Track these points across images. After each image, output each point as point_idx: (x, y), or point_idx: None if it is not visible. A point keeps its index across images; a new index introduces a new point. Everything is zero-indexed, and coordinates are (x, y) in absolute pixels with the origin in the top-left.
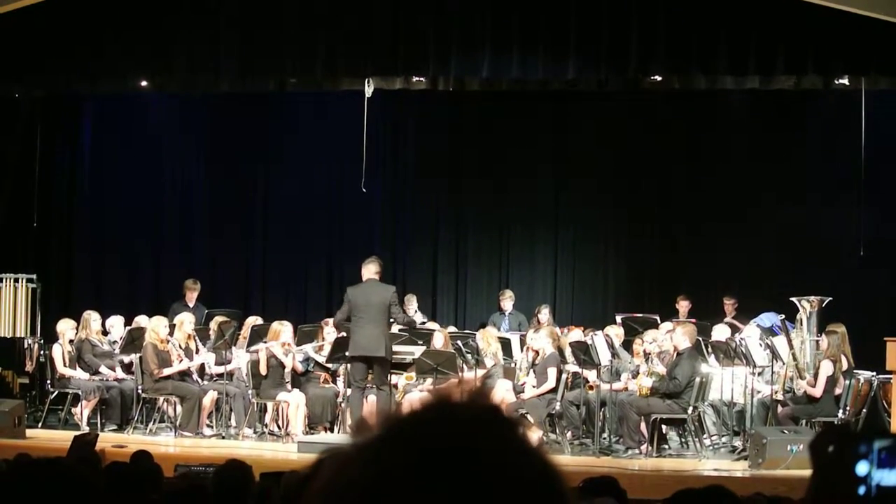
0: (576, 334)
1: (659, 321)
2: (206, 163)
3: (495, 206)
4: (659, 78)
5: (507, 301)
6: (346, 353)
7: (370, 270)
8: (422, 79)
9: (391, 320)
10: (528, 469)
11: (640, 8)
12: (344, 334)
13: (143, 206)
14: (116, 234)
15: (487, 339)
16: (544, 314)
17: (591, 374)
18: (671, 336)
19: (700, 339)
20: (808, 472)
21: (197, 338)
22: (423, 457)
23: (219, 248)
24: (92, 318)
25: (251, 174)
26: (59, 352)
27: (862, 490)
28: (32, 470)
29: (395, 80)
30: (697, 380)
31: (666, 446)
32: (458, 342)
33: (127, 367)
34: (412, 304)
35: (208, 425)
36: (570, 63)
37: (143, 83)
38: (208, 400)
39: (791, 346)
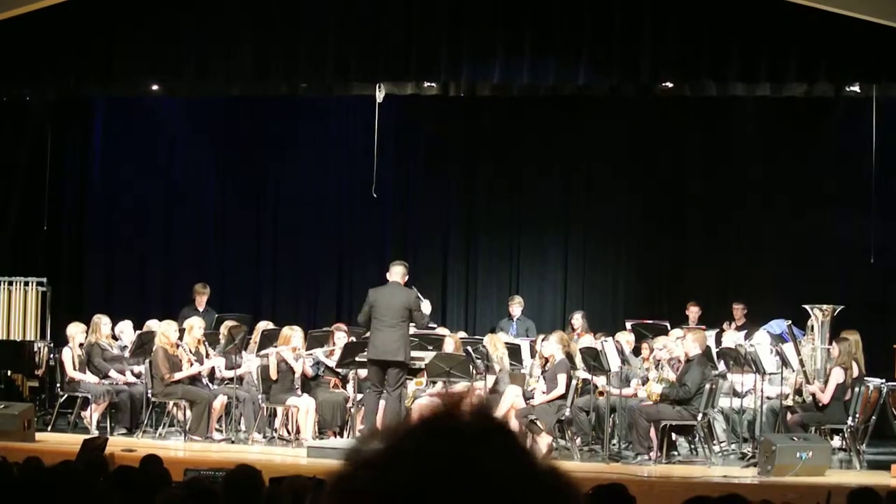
0: (586, 340)
1: (669, 327)
2: (217, 166)
3: (506, 212)
4: (670, 84)
5: (516, 307)
6: (364, 357)
7: (396, 273)
8: (433, 84)
9: (412, 324)
10: (533, 481)
11: (652, 14)
12: (354, 339)
13: (154, 210)
14: (127, 238)
15: (495, 344)
16: (577, 320)
17: (600, 381)
18: (681, 342)
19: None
20: (817, 479)
21: (207, 342)
22: (428, 471)
23: (229, 252)
24: (102, 321)
25: (262, 178)
26: (68, 355)
27: None
28: (45, 477)
29: (406, 85)
30: (707, 386)
31: (675, 453)
32: (469, 347)
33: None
34: (426, 309)
35: (218, 430)
36: (582, 69)
37: (155, 86)
38: (218, 404)
39: (799, 353)
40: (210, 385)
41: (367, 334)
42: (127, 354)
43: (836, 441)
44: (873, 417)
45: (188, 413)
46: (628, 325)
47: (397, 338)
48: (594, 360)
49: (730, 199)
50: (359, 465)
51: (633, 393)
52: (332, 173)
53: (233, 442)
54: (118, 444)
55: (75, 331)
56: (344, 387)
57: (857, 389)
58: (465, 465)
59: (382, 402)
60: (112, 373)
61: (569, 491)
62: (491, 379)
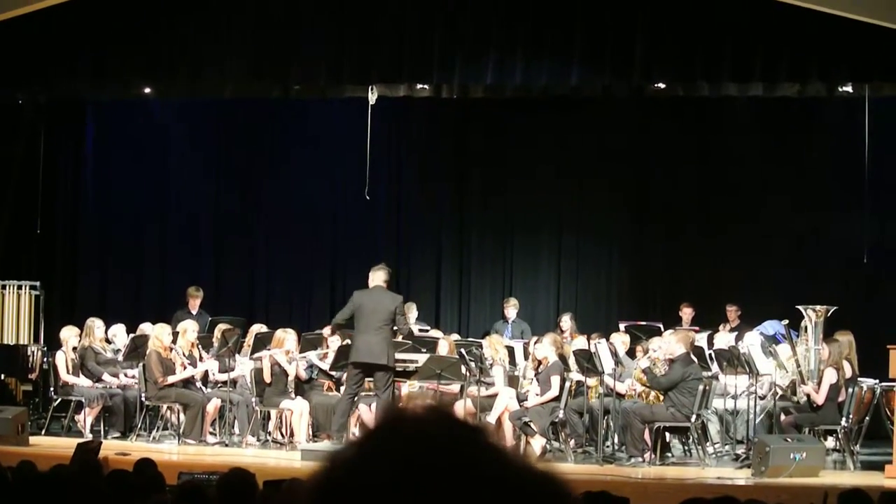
0: (580, 342)
1: (662, 329)
2: (210, 169)
3: (499, 214)
4: (663, 85)
5: (511, 309)
6: (348, 360)
7: (378, 278)
8: (426, 86)
9: (395, 329)
10: (510, 478)
11: (644, 15)
12: (349, 342)
13: (147, 213)
14: (120, 241)
15: (495, 347)
16: (566, 322)
17: (592, 382)
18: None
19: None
20: (810, 480)
21: (200, 345)
22: (399, 471)
23: (222, 255)
24: (95, 325)
25: (255, 181)
26: (62, 359)
27: None
28: (38, 481)
29: (399, 87)
30: (700, 387)
31: (669, 454)
32: (462, 350)
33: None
34: (412, 312)
35: (212, 433)
36: (574, 70)
37: (147, 89)
38: (212, 407)
39: (794, 353)
40: (203, 388)
41: None
42: (120, 358)
43: (830, 442)
44: (867, 418)
45: (182, 416)
46: (622, 326)
47: (380, 341)
48: (587, 361)
49: (722, 199)
50: (335, 465)
51: (626, 392)
52: (324, 175)
53: (227, 445)
54: (112, 447)
55: (69, 334)
56: (338, 389)
57: (850, 390)
58: (435, 463)
59: (365, 406)
60: (106, 376)
61: (551, 488)
62: (484, 381)
